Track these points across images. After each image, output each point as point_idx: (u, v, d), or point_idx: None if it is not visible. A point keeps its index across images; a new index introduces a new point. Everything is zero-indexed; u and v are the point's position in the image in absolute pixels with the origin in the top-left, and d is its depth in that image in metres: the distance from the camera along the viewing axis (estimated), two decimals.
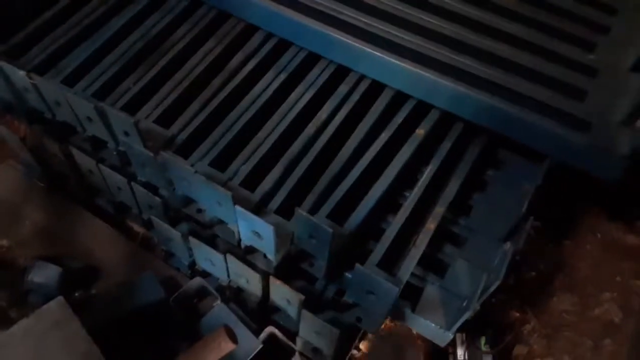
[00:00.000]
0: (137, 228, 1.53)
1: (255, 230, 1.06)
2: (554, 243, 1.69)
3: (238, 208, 1.02)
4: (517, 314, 1.55)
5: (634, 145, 1.13)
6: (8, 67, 1.17)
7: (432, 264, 1.20)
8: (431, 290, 1.17)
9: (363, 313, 1.15)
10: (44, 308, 0.85)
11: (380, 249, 1.10)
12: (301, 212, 1.00)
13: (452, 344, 1.38)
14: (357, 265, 0.99)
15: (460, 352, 1.34)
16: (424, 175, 1.21)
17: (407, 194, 1.22)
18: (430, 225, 1.15)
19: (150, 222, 1.39)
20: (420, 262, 1.15)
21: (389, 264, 1.11)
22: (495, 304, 1.55)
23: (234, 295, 1.31)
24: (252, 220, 1.02)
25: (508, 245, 1.17)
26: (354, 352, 1.45)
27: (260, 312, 1.31)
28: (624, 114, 1.19)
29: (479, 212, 1.26)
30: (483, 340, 1.37)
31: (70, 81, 1.27)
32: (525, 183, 1.27)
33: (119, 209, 1.46)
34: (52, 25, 1.37)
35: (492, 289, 1.13)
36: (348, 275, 1.10)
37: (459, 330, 1.39)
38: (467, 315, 1.07)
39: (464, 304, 1.13)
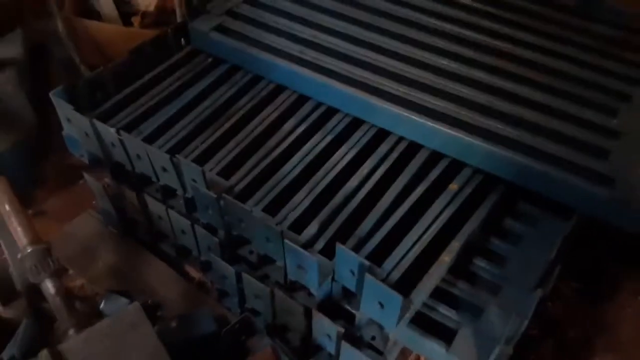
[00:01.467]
0: (194, 273, 1.69)
1: (300, 265, 1.18)
2: (595, 306, 1.70)
3: (287, 242, 1.16)
4: None
5: None
6: (101, 125, 1.42)
7: (470, 311, 1.28)
8: (465, 332, 1.23)
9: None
10: (122, 311, 1.00)
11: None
12: (342, 246, 1.13)
13: None
14: (367, 274, 1.08)
15: None
16: (442, 216, 1.32)
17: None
18: (445, 258, 1.24)
19: (206, 264, 1.55)
20: (458, 306, 1.25)
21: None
22: None
23: (279, 333, 1.41)
24: (298, 254, 1.16)
25: (539, 292, 1.25)
26: None
27: (302, 353, 1.40)
28: None
29: (513, 263, 1.35)
30: None
31: (149, 140, 1.48)
32: (555, 236, 1.35)
33: (180, 253, 1.63)
34: (136, 95, 1.63)
35: (522, 329, 1.19)
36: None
37: None
38: (497, 353, 1.13)
39: (497, 346, 1.18)
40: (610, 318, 1.68)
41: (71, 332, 1.01)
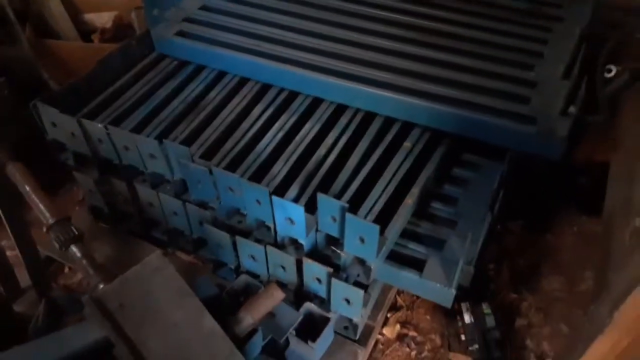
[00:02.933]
0: (185, 257, 1.84)
1: (288, 217, 1.37)
2: (538, 237, 1.97)
3: (275, 198, 1.34)
4: (514, 295, 1.80)
5: (569, 126, 1.49)
6: (88, 122, 1.56)
7: (435, 244, 1.50)
8: (432, 261, 1.45)
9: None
10: (147, 259, 1.14)
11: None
12: (323, 195, 1.32)
13: (459, 312, 1.63)
14: (347, 213, 1.28)
15: (466, 317, 1.59)
16: (401, 170, 1.54)
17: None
18: (408, 201, 1.46)
19: (199, 241, 1.70)
20: (424, 242, 1.47)
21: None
22: (493, 290, 1.81)
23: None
24: (286, 207, 1.34)
25: (488, 217, 1.49)
26: (379, 336, 1.69)
27: (298, 303, 1.57)
28: (560, 108, 1.55)
29: (464, 202, 1.58)
30: (485, 305, 1.62)
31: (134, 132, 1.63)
32: (494, 175, 1.61)
33: (171, 237, 1.77)
34: (110, 100, 1.77)
35: (478, 249, 1.43)
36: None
37: (463, 300, 1.66)
38: (461, 271, 1.36)
39: (460, 266, 1.41)
40: (553, 246, 1.95)
41: (101, 285, 1.15)
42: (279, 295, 1.24)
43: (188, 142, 1.63)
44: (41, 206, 1.18)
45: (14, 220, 1.34)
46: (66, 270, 1.80)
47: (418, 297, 1.81)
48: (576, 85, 1.60)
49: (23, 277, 1.60)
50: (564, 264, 1.90)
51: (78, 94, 1.75)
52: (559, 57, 1.74)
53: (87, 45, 2.32)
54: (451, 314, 1.71)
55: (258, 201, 1.41)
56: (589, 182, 2.12)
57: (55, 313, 1.52)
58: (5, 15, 2.01)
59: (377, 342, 1.69)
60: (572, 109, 1.51)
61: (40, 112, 1.64)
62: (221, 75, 1.88)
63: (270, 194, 1.37)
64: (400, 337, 1.71)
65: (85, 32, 2.45)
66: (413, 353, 1.68)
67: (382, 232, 1.39)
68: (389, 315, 1.75)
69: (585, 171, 2.12)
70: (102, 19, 2.44)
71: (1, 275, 1.50)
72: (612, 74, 1.48)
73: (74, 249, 1.19)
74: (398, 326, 1.72)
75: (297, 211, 1.35)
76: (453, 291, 1.40)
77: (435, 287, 1.41)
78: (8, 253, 1.60)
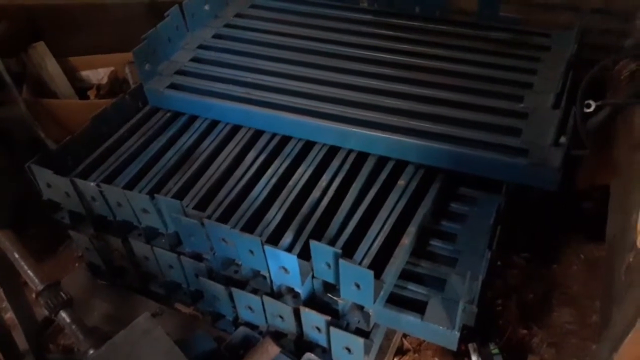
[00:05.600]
0: (185, 309, 1.81)
1: (282, 266, 1.35)
2: (545, 269, 1.92)
3: (267, 247, 1.32)
4: (524, 331, 1.74)
5: (562, 157, 1.47)
6: (81, 182, 1.56)
7: (435, 284, 1.46)
8: (434, 302, 1.41)
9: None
10: (135, 322, 1.12)
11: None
12: (315, 242, 1.30)
13: (467, 354, 1.58)
14: (341, 259, 1.25)
15: (474, 358, 1.53)
16: (396, 208, 1.52)
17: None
18: (405, 241, 1.43)
19: (197, 293, 1.68)
20: (425, 282, 1.44)
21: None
22: (502, 325, 1.75)
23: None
24: (278, 256, 1.32)
25: (487, 253, 1.46)
26: None
27: (299, 353, 1.53)
28: (552, 138, 1.54)
29: (462, 238, 1.56)
30: (492, 345, 1.56)
31: (126, 189, 1.64)
32: (492, 208, 1.58)
33: (169, 290, 1.75)
34: (105, 155, 1.79)
35: (479, 286, 1.39)
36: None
37: (470, 340, 1.61)
38: (463, 311, 1.32)
39: (462, 306, 1.37)
40: (560, 277, 1.90)
41: (91, 351, 1.13)
42: (274, 350, 1.21)
43: (181, 194, 1.63)
44: (29, 273, 1.18)
45: (8, 286, 1.33)
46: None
47: (425, 340, 1.75)
48: (565, 114, 1.59)
49: (22, 340, 1.58)
50: (574, 295, 1.85)
51: (73, 152, 1.77)
52: (548, 87, 1.74)
53: (83, 103, 2.36)
54: (459, 356, 1.66)
55: (251, 251, 1.39)
56: (593, 207, 2.08)
57: None
58: (2, 78, 2.05)
59: None
60: (562, 139, 1.49)
61: (35, 174, 1.65)
62: (214, 124, 1.89)
63: (263, 243, 1.35)
64: None
65: (82, 89, 2.50)
66: None
67: (379, 275, 1.37)
68: (395, 359, 1.70)
69: (589, 195, 2.09)
70: (98, 75, 2.49)
71: None
72: (592, 109, 1.47)
73: (63, 314, 1.18)
74: None
75: (290, 260, 1.33)
76: (456, 333, 1.36)
77: (438, 329, 1.37)
78: (6, 315, 1.59)
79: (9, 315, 1.56)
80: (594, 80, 1.53)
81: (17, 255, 1.20)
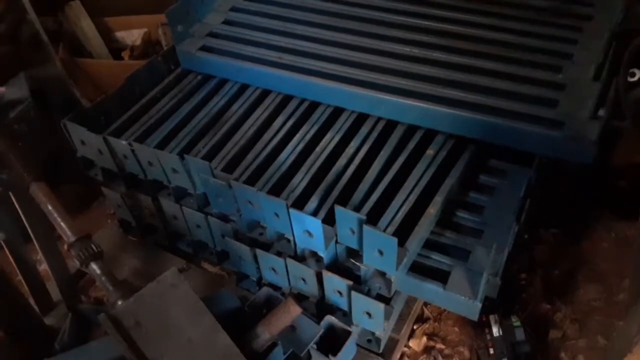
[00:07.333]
0: (211, 269, 1.86)
1: (306, 230, 1.36)
2: (573, 245, 1.89)
3: (292, 211, 1.34)
4: (548, 306, 1.73)
5: (600, 130, 1.42)
6: (114, 140, 1.60)
7: (459, 254, 1.46)
8: (457, 272, 1.41)
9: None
10: (162, 275, 1.16)
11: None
12: (340, 207, 1.31)
13: (488, 325, 1.58)
14: (365, 225, 1.25)
15: (495, 329, 1.54)
16: (423, 178, 1.51)
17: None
18: (431, 210, 1.42)
19: (222, 254, 1.72)
20: (449, 252, 1.44)
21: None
22: (525, 299, 1.74)
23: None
24: (303, 220, 1.34)
25: (514, 225, 1.44)
26: (405, 349, 1.65)
27: (320, 315, 1.56)
28: (590, 111, 1.49)
29: (490, 210, 1.54)
30: (514, 318, 1.56)
31: (157, 148, 1.67)
32: (522, 182, 1.55)
33: (196, 249, 1.79)
34: (137, 116, 1.81)
35: (504, 259, 1.38)
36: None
37: (492, 312, 1.61)
38: (486, 283, 1.31)
39: (486, 277, 1.36)
40: (589, 254, 1.87)
41: (120, 302, 1.18)
42: (295, 310, 1.23)
43: (210, 156, 1.65)
44: (62, 225, 1.22)
45: (42, 238, 1.38)
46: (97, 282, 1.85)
47: (446, 309, 1.76)
48: (606, 86, 1.53)
49: (55, 291, 1.65)
50: (601, 272, 1.82)
51: (106, 111, 1.80)
52: (589, 58, 1.67)
53: (117, 63, 2.39)
54: (480, 326, 1.66)
55: (276, 214, 1.41)
56: (628, 186, 2.02)
57: (84, 325, 1.56)
58: (39, 36, 2.09)
59: (402, 355, 1.66)
60: (601, 112, 1.44)
61: (69, 131, 1.69)
62: (244, 88, 1.89)
63: (288, 207, 1.36)
64: (427, 350, 1.67)
65: (116, 49, 2.53)
66: None
67: (402, 243, 1.36)
68: (415, 327, 1.72)
69: (624, 174, 2.03)
70: (132, 36, 2.51)
71: (33, 290, 1.56)
72: (636, 78, 1.40)
73: (93, 266, 1.22)
74: (425, 338, 1.68)
75: (315, 224, 1.34)
76: (478, 304, 1.35)
77: (460, 299, 1.37)
78: (41, 267, 1.66)
79: (43, 267, 1.63)
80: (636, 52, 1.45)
81: (50, 207, 1.24)
